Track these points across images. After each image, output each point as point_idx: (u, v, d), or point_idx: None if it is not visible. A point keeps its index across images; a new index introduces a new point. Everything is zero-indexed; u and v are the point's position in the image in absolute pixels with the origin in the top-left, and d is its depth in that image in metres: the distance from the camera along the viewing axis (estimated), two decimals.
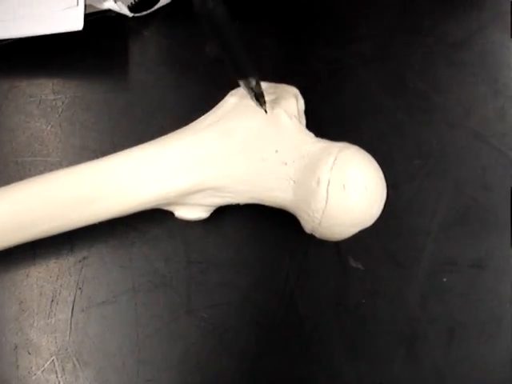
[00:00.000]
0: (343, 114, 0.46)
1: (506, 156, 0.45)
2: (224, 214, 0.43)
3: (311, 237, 0.39)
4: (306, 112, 0.43)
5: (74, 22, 0.44)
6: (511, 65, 0.47)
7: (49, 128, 0.47)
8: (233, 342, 0.41)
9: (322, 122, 0.42)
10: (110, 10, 0.48)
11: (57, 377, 0.40)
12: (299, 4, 0.50)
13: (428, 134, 0.45)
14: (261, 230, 0.43)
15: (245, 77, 0.34)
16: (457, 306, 0.41)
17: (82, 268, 0.43)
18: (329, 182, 0.35)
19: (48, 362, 0.41)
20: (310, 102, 0.42)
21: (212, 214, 0.42)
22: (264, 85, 0.41)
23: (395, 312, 0.41)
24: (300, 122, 0.40)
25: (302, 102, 0.42)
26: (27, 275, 0.43)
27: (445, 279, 0.42)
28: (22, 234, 0.39)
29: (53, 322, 0.42)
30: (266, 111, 0.38)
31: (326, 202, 0.35)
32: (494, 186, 0.44)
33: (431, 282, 0.42)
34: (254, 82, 0.34)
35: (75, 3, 0.44)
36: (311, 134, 0.39)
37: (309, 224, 0.37)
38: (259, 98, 0.36)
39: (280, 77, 0.42)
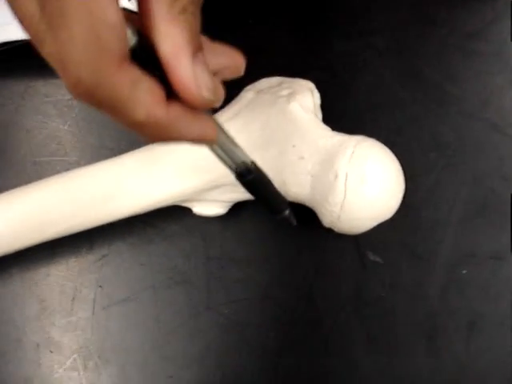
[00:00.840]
0: (359, 107, 0.46)
1: None
2: (242, 209, 0.43)
3: (329, 231, 0.39)
4: (322, 106, 0.42)
5: None
6: None
7: (66, 127, 0.47)
8: (253, 338, 0.41)
9: (338, 115, 0.42)
10: (124, 8, 0.48)
11: (79, 374, 0.41)
12: None
13: (445, 125, 0.45)
14: (279, 226, 0.43)
15: (280, 213, 0.35)
16: (476, 299, 0.41)
17: (102, 266, 0.43)
18: (347, 175, 0.35)
19: (70, 360, 0.41)
20: (325, 96, 0.42)
21: (230, 210, 0.42)
22: (279, 79, 0.41)
23: (415, 305, 0.41)
24: (316, 115, 0.40)
25: (317, 95, 0.41)
26: (47, 274, 0.43)
27: (464, 271, 0.42)
28: (41, 233, 0.39)
29: (74, 320, 0.42)
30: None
31: (345, 196, 0.35)
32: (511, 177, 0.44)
33: (451, 275, 0.42)
34: (287, 213, 0.36)
35: None
36: (328, 128, 0.39)
37: (327, 218, 0.37)
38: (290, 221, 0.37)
39: (295, 71, 0.42)
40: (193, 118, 0.23)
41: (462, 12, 0.48)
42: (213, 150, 0.28)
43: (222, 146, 0.28)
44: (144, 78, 0.21)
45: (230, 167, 0.29)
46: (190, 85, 0.21)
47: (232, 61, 0.26)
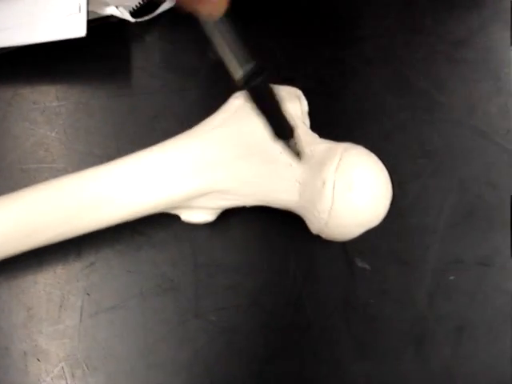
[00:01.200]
0: (347, 115, 0.46)
1: (510, 153, 0.45)
2: (230, 216, 0.43)
3: (317, 238, 0.39)
4: (309, 113, 0.43)
5: (76, 28, 0.44)
6: None
7: (53, 134, 0.47)
8: (241, 345, 0.41)
9: (326, 122, 0.42)
10: (112, 16, 0.48)
11: (66, 383, 0.40)
12: (301, 5, 0.50)
13: (432, 132, 0.45)
14: (267, 232, 0.43)
15: (286, 138, 0.34)
16: (464, 304, 0.41)
17: (90, 273, 0.43)
18: (334, 182, 0.35)
19: (57, 369, 0.41)
20: (313, 103, 0.42)
21: (218, 217, 0.42)
22: None
23: (403, 311, 0.41)
24: (304, 123, 0.40)
25: (305, 103, 0.41)
26: (35, 282, 0.43)
27: (452, 277, 0.42)
28: (28, 240, 0.39)
29: (61, 328, 0.42)
30: (300, 161, 0.37)
31: (332, 203, 0.35)
32: (499, 183, 0.44)
33: (438, 281, 0.42)
34: (293, 142, 0.35)
35: (77, 10, 0.44)
36: (315, 135, 0.39)
37: (315, 225, 0.37)
38: (297, 154, 0.36)
39: (283, 78, 0.42)
40: None
41: (448, 20, 0.49)
42: (220, 47, 0.26)
43: (230, 45, 0.27)
44: None
45: (236, 69, 0.27)
46: None
47: None
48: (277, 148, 0.37)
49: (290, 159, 0.36)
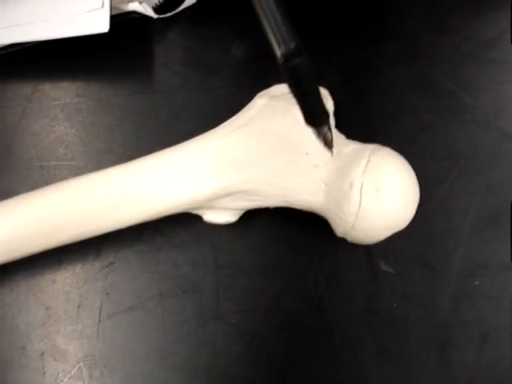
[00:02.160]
0: (371, 115, 0.45)
1: None
2: (252, 218, 0.42)
3: (341, 240, 0.38)
4: (334, 113, 0.42)
5: (99, 24, 0.43)
6: None
7: (73, 132, 0.46)
8: (261, 348, 0.40)
9: (351, 123, 0.42)
10: (134, 12, 0.48)
11: (84, 383, 0.40)
12: (325, 4, 0.49)
13: (458, 134, 0.45)
14: (289, 234, 0.43)
15: (319, 125, 0.32)
16: (489, 310, 0.41)
17: (109, 273, 0.42)
18: (362, 184, 0.35)
19: (75, 369, 0.40)
20: (337, 103, 0.42)
21: (240, 218, 0.42)
22: None
23: (426, 316, 0.41)
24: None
25: (331, 103, 0.41)
26: (53, 281, 0.42)
27: (477, 282, 0.41)
28: (48, 240, 0.39)
29: (79, 328, 0.41)
30: (332, 155, 0.35)
31: (360, 205, 0.35)
32: None
33: (463, 286, 0.41)
34: (325, 129, 0.33)
35: (100, 5, 0.43)
36: (342, 136, 0.39)
37: (341, 227, 0.37)
38: (329, 143, 0.34)
39: None
40: None
41: (476, 20, 0.48)
42: (264, 21, 0.26)
43: (275, 20, 0.26)
44: None
45: (278, 45, 0.26)
46: None
47: None
48: (302, 149, 0.37)
49: (321, 148, 0.34)
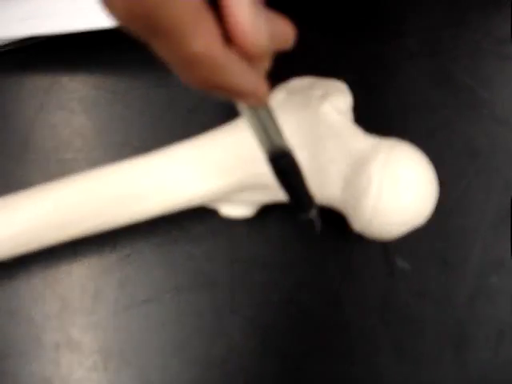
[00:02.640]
0: (390, 110, 0.45)
1: None
2: (268, 212, 0.42)
3: (357, 236, 0.38)
4: (353, 108, 0.42)
5: None
6: None
7: (90, 124, 0.46)
8: (276, 342, 0.40)
9: (369, 117, 0.41)
10: None
11: (99, 375, 0.40)
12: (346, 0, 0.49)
13: (477, 130, 0.44)
14: (305, 229, 0.42)
15: (306, 211, 0.35)
16: (506, 308, 0.40)
17: (125, 266, 0.42)
18: (380, 180, 0.34)
19: (90, 361, 0.41)
20: (356, 98, 0.42)
21: (257, 213, 0.42)
22: (312, 80, 0.40)
23: (442, 313, 0.40)
24: (348, 118, 0.39)
25: (349, 97, 0.41)
26: (69, 273, 0.42)
27: (493, 280, 0.41)
28: (65, 231, 0.39)
29: (95, 319, 0.41)
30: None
31: (378, 200, 0.34)
32: None
33: (480, 283, 0.41)
34: (314, 213, 0.35)
35: None
36: (360, 131, 0.38)
37: (358, 222, 0.37)
38: (315, 224, 0.37)
39: (326, 72, 0.41)
40: (248, 67, 0.22)
41: (496, 17, 0.47)
42: (252, 121, 0.26)
43: (263, 121, 0.27)
44: (207, 9, 0.19)
45: (264, 147, 0.28)
46: (248, 28, 0.20)
47: (283, 30, 0.25)
48: (321, 143, 0.37)
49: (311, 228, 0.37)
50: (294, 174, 0.31)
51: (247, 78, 0.22)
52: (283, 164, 0.29)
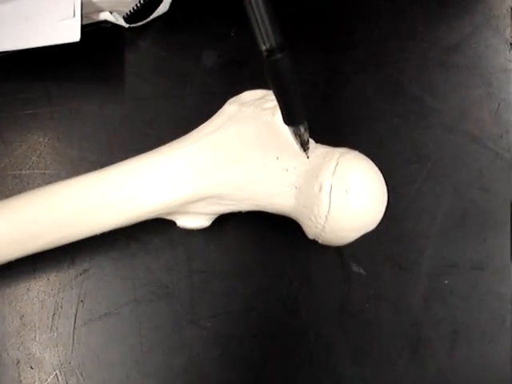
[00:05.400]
0: (340, 120, 0.46)
1: (502, 158, 0.45)
2: (225, 222, 0.43)
3: (313, 243, 0.39)
4: None
5: (70, 33, 0.43)
6: (504, 67, 0.48)
7: (46, 140, 0.46)
8: (237, 351, 0.41)
9: (320, 128, 0.42)
10: (105, 21, 0.48)
11: None
12: (293, 11, 0.50)
13: (425, 137, 0.46)
14: (262, 238, 0.43)
15: (296, 124, 0.34)
16: (459, 308, 0.42)
17: (84, 281, 0.42)
18: (331, 187, 0.35)
19: (51, 377, 0.40)
20: (307, 109, 0.42)
21: (213, 223, 0.42)
22: (263, 92, 0.41)
23: (398, 316, 0.41)
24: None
25: None
26: (28, 289, 0.42)
27: (446, 282, 0.42)
28: (22, 247, 0.38)
29: (55, 335, 0.41)
30: (307, 157, 0.37)
31: (329, 208, 0.35)
32: (491, 188, 0.44)
33: (433, 285, 0.42)
34: (302, 130, 0.34)
35: (72, 14, 0.43)
36: (311, 140, 0.39)
37: (312, 230, 0.37)
38: (304, 144, 0.36)
39: None
40: None
41: (440, 26, 0.49)
42: (252, 14, 0.27)
43: (263, 17, 0.27)
44: None
45: (262, 39, 0.28)
46: None
47: None
48: (272, 153, 0.37)
49: (297, 148, 0.36)
50: (289, 74, 0.30)
51: None
52: (279, 58, 0.29)
